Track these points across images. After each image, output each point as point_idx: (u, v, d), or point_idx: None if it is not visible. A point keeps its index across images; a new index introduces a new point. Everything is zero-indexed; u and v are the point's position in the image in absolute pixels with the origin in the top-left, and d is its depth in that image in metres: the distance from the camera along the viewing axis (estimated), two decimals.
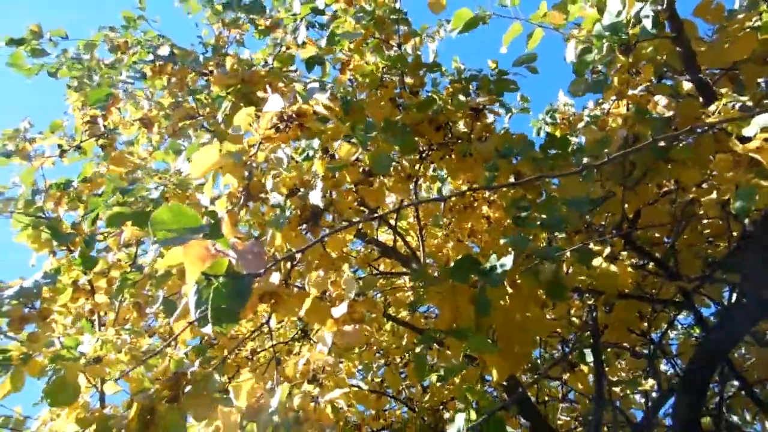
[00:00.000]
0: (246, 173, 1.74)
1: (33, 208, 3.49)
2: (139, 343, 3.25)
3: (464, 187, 3.19)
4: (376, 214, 2.59)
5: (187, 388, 2.20)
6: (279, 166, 1.92)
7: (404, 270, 4.12)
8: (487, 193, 3.18)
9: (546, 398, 4.09)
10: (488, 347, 2.23)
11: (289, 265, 2.22)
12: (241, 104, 2.32)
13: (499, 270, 1.86)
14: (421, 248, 3.63)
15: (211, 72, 3.19)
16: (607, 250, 2.48)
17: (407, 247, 3.88)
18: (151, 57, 3.18)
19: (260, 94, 2.36)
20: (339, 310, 2.60)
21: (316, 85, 1.98)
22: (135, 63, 3.30)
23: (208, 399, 2.28)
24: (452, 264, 2.16)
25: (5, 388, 2.88)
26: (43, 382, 2.50)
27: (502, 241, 1.93)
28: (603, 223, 2.72)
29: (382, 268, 4.38)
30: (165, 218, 1.16)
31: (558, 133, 2.88)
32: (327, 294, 2.54)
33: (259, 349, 3.89)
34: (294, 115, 1.73)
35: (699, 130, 1.90)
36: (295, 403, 2.24)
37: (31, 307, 2.62)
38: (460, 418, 2.59)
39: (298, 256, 2.22)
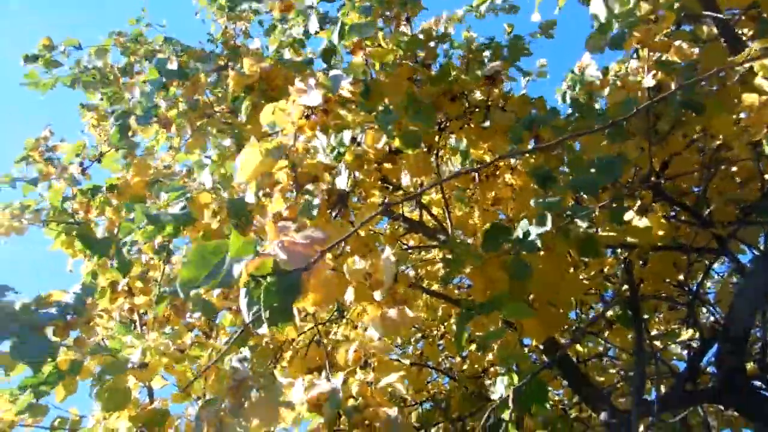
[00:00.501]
0: (291, 166, 1.77)
1: (64, 215, 3.57)
2: (182, 341, 3.33)
3: (486, 157, 3.18)
4: (408, 193, 2.60)
5: (252, 393, 2.18)
6: (317, 155, 1.94)
7: (433, 243, 4.15)
8: (511, 160, 3.17)
9: (586, 358, 4.11)
10: (525, 313, 2.24)
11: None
12: (262, 101, 2.33)
13: (533, 235, 1.86)
14: (447, 220, 3.64)
15: (224, 66, 3.21)
16: (638, 203, 2.46)
17: (434, 220, 3.90)
18: (161, 77, 3.19)
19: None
20: (381, 294, 2.61)
21: (338, 72, 1.98)
22: (144, 83, 3.34)
23: (274, 404, 2.27)
24: (482, 233, 2.16)
25: (60, 394, 2.99)
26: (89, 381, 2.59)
27: (532, 203, 1.92)
28: (630, 179, 2.70)
29: (411, 243, 4.40)
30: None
31: (582, 97, 2.84)
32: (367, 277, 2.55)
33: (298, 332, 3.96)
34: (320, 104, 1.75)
35: (723, 74, 1.86)
36: (353, 391, 2.26)
37: (73, 314, 2.69)
38: (502, 382, 2.63)
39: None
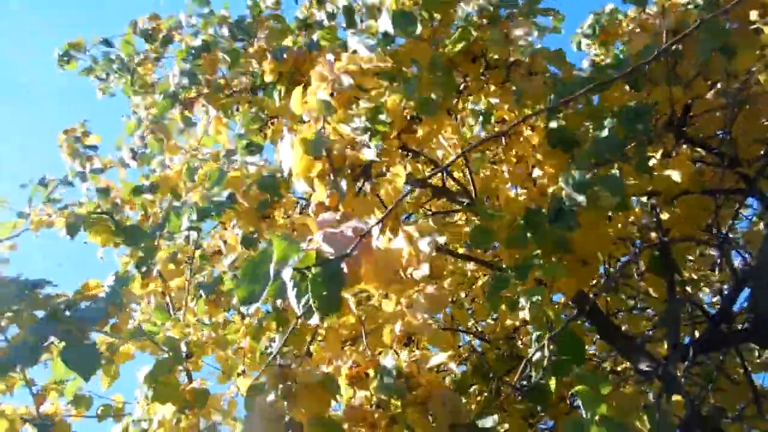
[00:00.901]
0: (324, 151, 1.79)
1: (95, 208, 3.65)
2: (221, 331, 3.41)
3: (506, 117, 3.17)
4: (433, 162, 2.61)
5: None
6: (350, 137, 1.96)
7: (457, 207, 4.16)
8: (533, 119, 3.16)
9: (617, 310, 4.12)
10: (559, 272, 2.26)
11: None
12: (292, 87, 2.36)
13: (568, 212, 1.87)
14: (471, 184, 3.65)
15: (250, 38, 3.23)
16: (661, 150, 2.46)
17: (457, 184, 3.91)
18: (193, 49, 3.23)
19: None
20: (420, 273, 2.61)
21: (366, 41, 1.99)
22: (184, 58, 3.37)
23: (320, 392, 2.30)
24: (520, 221, 2.17)
25: (105, 382, 3.09)
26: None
27: (560, 180, 1.93)
28: (652, 126, 2.68)
29: (433, 209, 4.42)
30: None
31: (598, 49, 2.80)
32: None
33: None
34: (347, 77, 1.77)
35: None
36: (404, 368, 2.29)
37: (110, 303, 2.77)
38: (536, 340, 2.67)
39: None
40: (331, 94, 1.84)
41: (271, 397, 1.85)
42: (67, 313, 2.18)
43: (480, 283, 4.66)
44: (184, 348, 2.46)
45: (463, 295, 4.74)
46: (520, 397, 2.81)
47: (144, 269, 3.33)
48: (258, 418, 1.81)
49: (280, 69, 2.30)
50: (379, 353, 2.48)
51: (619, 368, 4.22)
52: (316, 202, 1.83)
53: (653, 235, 2.78)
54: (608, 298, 3.83)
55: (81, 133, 3.92)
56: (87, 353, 2.06)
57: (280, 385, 1.93)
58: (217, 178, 2.55)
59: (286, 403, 1.85)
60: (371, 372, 2.17)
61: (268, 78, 2.32)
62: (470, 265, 4.50)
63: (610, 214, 3.11)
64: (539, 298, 2.63)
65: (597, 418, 2.31)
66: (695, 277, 3.79)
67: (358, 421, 2.07)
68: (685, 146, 2.61)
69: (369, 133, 2.05)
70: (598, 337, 3.85)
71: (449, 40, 2.45)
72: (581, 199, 1.82)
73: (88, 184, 3.78)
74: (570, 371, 2.51)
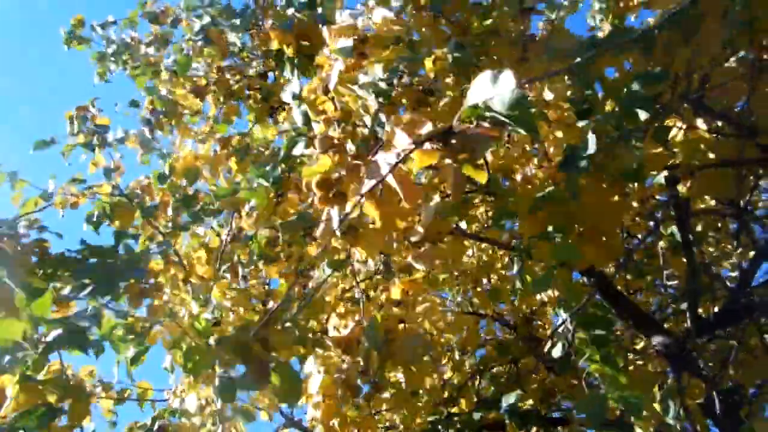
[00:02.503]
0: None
1: (110, 188, 3.70)
2: (243, 299, 3.46)
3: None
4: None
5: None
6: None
7: (473, 188, 4.16)
8: (546, 96, 3.14)
9: (637, 289, 4.11)
10: (575, 253, 2.26)
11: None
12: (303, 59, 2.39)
13: (582, 157, 1.87)
14: (486, 164, 3.65)
15: (255, 27, 3.26)
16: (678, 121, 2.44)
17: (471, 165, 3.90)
18: (198, 28, 3.26)
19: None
20: (416, 234, 2.69)
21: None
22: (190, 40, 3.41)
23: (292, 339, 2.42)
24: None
25: (134, 363, 3.13)
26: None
27: (580, 124, 1.92)
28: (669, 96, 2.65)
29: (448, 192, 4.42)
30: None
31: (612, 21, 2.78)
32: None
33: (347, 287, 4.07)
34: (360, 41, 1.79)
35: None
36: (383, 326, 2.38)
37: (145, 283, 2.83)
38: (559, 319, 2.67)
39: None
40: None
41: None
42: None
43: (499, 265, 4.67)
44: (211, 309, 2.51)
45: (484, 280, 4.74)
46: (546, 369, 2.83)
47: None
48: None
49: (287, 38, 2.32)
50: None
51: (637, 346, 4.21)
52: (321, 135, 1.88)
53: (671, 209, 2.76)
54: (627, 277, 3.82)
55: (91, 111, 3.97)
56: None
57: None
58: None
59: None
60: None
61: (274, 45, 2.34)
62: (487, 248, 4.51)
63: (629, 187, 3.11)
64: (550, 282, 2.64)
65: (614, 394, 2.33)
66: (716, 253, 3.76)
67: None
68: (703, 117, 2.58)
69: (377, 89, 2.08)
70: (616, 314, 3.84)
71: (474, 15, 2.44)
72: (593, 149, 1.81)
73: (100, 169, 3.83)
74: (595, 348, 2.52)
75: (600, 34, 2.70)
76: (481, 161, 3.74)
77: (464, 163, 1.25)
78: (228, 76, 3.75)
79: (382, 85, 2.05)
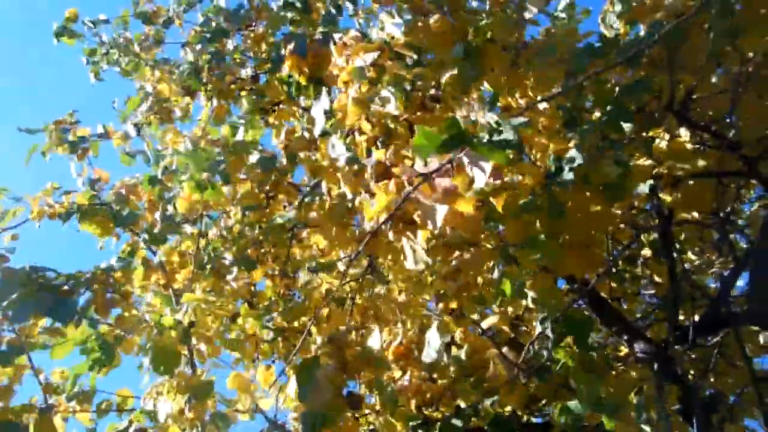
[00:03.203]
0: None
1: (89, 197, 3.68)
2: (226, 304, 3.45)
3: (513, 103, 3.17)
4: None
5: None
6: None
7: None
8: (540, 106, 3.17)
9: (619, 295, 4.14)
10: (561, 255, 2.28)
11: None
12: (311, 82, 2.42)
13: (566, 171, 1.89)
14: None
15: (249, 26, 3.27)
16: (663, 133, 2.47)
17: None
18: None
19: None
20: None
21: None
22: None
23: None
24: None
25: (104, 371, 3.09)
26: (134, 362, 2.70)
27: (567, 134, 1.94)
28: (655, 108, 2.68)
29: None
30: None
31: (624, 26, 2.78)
32: None
33: (334, 289, 4.08)
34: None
35: None
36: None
37: (112, 292, 2.81)
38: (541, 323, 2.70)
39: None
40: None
41: (330, 369, 1.94)
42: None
43: (485, 269, 4.68)
44: (184, 311, 2.50)
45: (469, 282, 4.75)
46: (525, 378, 2.85)
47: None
48: (317, 389, 1.90)
49: (301, 65, 2.37)
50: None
51: (620, 353, 4.24)
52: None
53: (655, 218, 2.79)
54: (612, 284, 3.85)
55: (70, 123, 3.95)
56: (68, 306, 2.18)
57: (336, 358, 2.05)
58: (217, 162, 2.60)
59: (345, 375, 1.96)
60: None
61: (290, 72, 2.39)
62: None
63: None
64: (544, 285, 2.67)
65: (593, 400, 2.35)
66: (698, 262, 3.81)
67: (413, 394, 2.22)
68: (687, 129, 2.62)
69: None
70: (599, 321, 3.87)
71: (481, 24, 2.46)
72: (579, 161, 1.84)
73: (83, 178, 3.80)
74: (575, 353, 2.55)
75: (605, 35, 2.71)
76: None
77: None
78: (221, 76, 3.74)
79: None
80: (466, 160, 1.39)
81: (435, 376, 2.67)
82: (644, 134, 2.26)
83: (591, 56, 2.06)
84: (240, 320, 3.71)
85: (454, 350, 2.39)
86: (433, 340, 2.27)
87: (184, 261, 4.01)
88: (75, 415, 2.93)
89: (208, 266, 3.27)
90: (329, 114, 2.37)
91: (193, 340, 2.94)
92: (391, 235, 1.66)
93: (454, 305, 2.76)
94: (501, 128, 1.40)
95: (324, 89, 2.43)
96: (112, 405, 3.18)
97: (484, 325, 2.37)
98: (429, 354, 2.28)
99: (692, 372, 3.40)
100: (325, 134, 2.51)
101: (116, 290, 2.94)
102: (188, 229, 3.96)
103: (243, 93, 3.74)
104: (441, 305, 2.51)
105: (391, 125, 2.14)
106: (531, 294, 2.87)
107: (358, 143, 2.19)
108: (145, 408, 2.66)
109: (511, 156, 1.41)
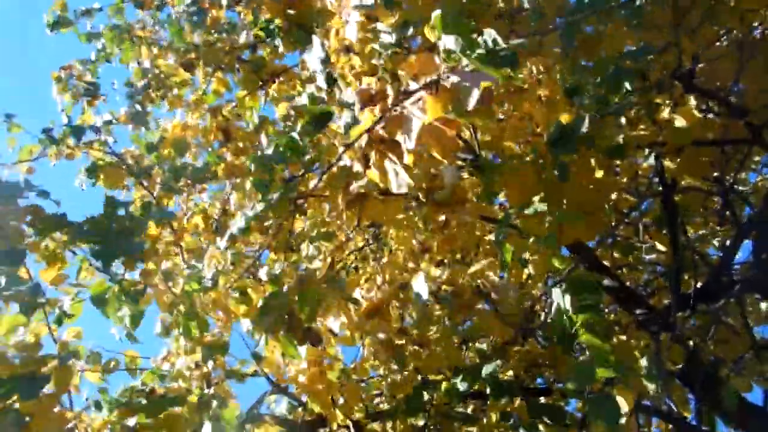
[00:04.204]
0: None
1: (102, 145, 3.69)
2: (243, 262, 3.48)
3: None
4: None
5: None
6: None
7: (461, 163, 4.17)
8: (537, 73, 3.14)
9: (621, 264, 4.16)
10: (569, 216, 2.29)
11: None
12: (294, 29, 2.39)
13: (571, 137, 1.88)
14: (475, 141, 3.66)
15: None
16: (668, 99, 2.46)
17: (462, 142, 3.91)
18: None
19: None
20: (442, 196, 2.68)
21: None
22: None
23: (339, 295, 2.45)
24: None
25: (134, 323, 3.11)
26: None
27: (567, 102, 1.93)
28: (660, 75, 2.66)
29: None
30: None
31: None
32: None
33: (337, 259, 4.12)
34: None
35: None
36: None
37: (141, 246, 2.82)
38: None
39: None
40: None
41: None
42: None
43: (487, 240, 4.70)
44: (210, 275, 2.53)
45: (471, 254, 4.78)
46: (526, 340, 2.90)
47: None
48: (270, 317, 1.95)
49: (277, 8, 2.33)
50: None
51: (622, 321, 4.28)
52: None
53: (658, 186, 2.79)
54: (614, 253, 3.87)
55: (78, 71, 3.95)
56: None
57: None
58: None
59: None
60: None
61: (271, 17, 2.34)
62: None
63: (617, 164, 3.13)
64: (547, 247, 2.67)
65: (602, 361, 2.37)
66: (701, 232, 3.81)
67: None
68: (693, 96, 2.60)
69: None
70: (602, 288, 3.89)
71: None
72: (584, 127, 1.83)
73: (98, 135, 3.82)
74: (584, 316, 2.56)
75: None
76: (471, 137, 3.77)
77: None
78: (217, 48, 3.72)
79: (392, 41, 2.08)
80: (456, 78, 1.36)
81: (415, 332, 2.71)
82: (647, 100, 2.25)
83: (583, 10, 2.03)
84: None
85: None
86: (420, 286, 2.29)
87: (206, 224, 4.03)
88: (85, 374, 2.99)
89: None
90: (326, 62, 2.36)
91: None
92: (372, 157, 1.65)
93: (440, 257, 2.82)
94: (498, 46, 1.36)
95: (316, 39, 2.41)
96: (120, 364, 3.25)
97: (470, 271, 2.42)
98: (418, 298, 2.32)
99: (692, 339, 3.43)
100: (330, 82, 2.49)
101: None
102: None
103: (240, 65, 3.71)
104: (427, 256, 2.56)
105: (383, 63, 2.13)
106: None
107: (348, 80, 2.19)
108: (157, 369, 2.73)
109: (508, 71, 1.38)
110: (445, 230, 2.77)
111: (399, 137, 1.54)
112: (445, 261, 2.78)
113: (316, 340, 2.20)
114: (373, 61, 2.22)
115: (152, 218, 2.91)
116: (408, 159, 1.59)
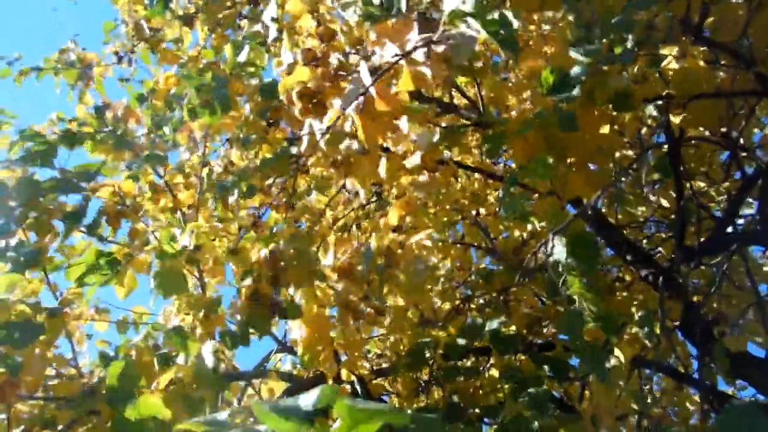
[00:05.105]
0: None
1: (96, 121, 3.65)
2: (231, 229, 3.49)
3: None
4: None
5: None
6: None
7: (466, 123, 4.13)
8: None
9: (626, 222, 4.15)
10: (568, 173, 2.27)
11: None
12: None
13: (572, 82, 1.85)
14: (479, 98, 3.62)
15: None
16: (675, 49, 2.40)
17: (467, 100, 3.87)
18: None
19: None
20: (413, 161, 2.72)
21: None
22: None
23: (306, 271, 2.52)
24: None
25: (122, 292, 3.17)
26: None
27: (570, 52, 1.89)
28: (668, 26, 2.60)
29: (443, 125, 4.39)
30: None
31: None
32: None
33: (340, 216, 4.12)
34: None
35: None
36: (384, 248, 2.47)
37: (122, 205, 2.83)
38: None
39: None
40: None
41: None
42: None
43: (491, 199, 4.70)
44: (188, 237, 2.54)
45: (473, 212, 4.78)
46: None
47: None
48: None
49: None
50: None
51: (625, 278, 4.30)
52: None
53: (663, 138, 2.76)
54: (619, 214, 3.85)
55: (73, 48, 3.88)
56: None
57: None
58: (219, 84, 2.56)
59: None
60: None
61: None
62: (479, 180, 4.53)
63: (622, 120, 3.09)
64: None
65: (593, 314, 2.39)
66: (705, 186, 3.78)
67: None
68: (700, 47, 2.55)
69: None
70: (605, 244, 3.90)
71: None
72: (585, 73, 1.79)
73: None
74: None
75: None
76: (475, 95, 3.72)
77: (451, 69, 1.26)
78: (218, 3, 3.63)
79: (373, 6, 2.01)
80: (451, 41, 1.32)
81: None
82: (653, 50, 2.20)
83: None
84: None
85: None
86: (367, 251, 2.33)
87: (189, 182, 4.01)
88: (94, 324, 3.05)
89: (211, 195, 3.28)
90: (276, 20, 2.33)
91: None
92: (297, 111, 1.65)
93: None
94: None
95: None
96: (129, 320, 3.31)
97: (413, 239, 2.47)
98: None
99: (696, 294, 3.45)
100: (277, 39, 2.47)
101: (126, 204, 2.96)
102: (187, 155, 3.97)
103: (241, 21, 3.64)
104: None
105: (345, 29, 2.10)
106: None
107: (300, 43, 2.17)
108: (160, 325, 2.76)
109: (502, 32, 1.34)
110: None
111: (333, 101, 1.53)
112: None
113: (282, 312, 2.27)
114: (334, 26, 2.18)
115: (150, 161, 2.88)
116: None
